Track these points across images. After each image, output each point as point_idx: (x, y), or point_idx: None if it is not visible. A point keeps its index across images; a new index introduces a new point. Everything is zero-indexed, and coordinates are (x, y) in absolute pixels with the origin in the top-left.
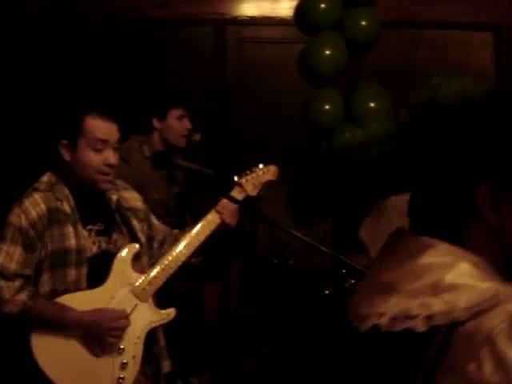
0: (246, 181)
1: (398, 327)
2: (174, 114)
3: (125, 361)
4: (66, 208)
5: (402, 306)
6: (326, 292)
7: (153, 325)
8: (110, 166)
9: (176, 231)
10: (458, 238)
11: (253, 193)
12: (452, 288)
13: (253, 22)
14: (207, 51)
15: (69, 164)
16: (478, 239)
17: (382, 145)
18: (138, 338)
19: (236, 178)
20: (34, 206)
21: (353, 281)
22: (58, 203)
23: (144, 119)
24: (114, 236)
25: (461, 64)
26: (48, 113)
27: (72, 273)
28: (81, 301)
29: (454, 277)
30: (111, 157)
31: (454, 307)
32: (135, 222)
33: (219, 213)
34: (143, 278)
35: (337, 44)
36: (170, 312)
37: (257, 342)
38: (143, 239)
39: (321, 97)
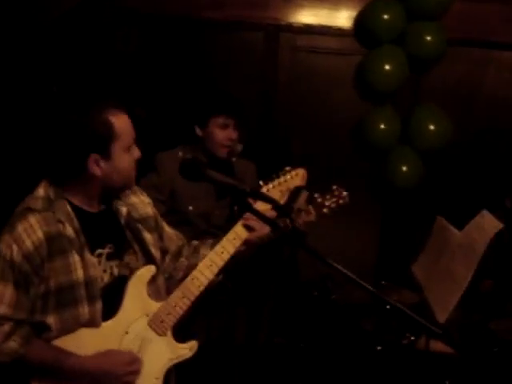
0: (273, 187)
1: None
2: (216, 121)
3: None
4: (69, 231)
5: None
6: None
7: (172, 362)
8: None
9: (195, 242)
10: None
11: (281, 201)
12: None
13: (309, 30)
14: (258, 57)
15: (92, 175)
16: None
17: None
18: (157, 379)
19: (261, 183)
20: (29, 233)
21: (413, 338)
22: (60, 226)
23: (188, 127)
24: (126, 258)
25: None
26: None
27: (84, 311)
28: (88, 340)
29: None
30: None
31: None
32: (147, 236)
33: (245, 225)
34: (161, 306)
35: (398, 59)
36: (192, 346)
37: (287, 374)
38: (157, 255)
39: (377, 115)
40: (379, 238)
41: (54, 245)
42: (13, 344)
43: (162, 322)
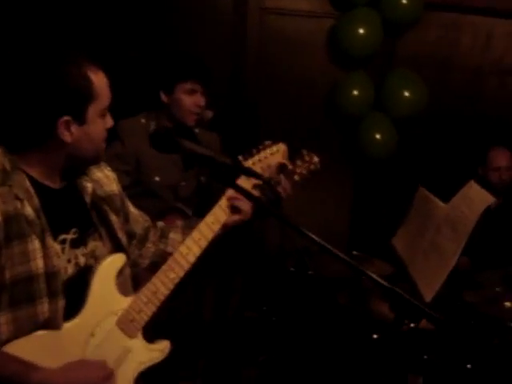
0: (253, 163)
1: None
2: (183, 87)
3: None
4: (29, 211)
5: None
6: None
7: (144, 366)
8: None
9: (161, 224)
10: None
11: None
12: None
13: None
14: (226, 19)
15: (59, 141)
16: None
17: None
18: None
19: (240, 158)
20: None
21: (412, 324)
22: (18, 204)
23: (152, 92)
24: (91, 243)
25: (505, 57)
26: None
27: (43, 309)
28: (47, 345)
29: None
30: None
31: None
32: (114, 218)
33: (230, 206)
34: (130, 303)
35: (372, 22)
36: (164, 347)
37: (257, 348)
38: (124, 240)
39: (350, 81)
40: (351, 207)
41: (12, 227)
42: None
43: (131, 321)
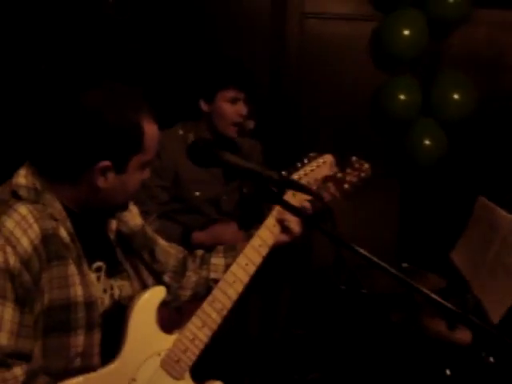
0: (299, 178)
1: None
2: (225, 95)
3: None
4: (64, 234)
5: None
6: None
7: None
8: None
9: (199, 252)
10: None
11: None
12: None
13: None
14: (265, 26)
15: (91, 183)
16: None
17: None
18: None
19: (283, 173)
20: (24, 228)
21: (491, 359)
22: (54, 224)
23: (193, 102)
24: (118, 280)
25: None
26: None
27: (77, 342)
28: None
29: None
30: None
31: None
32: (139, 257)
33: (278, 223)
34: (175, 341)
35: (417, 23)
36: None
37: (305, 366)
38: (150, 282)
39: (396, 85)
40: (399, 217)
41: (51, 246)
42: None
43: (177, 361)
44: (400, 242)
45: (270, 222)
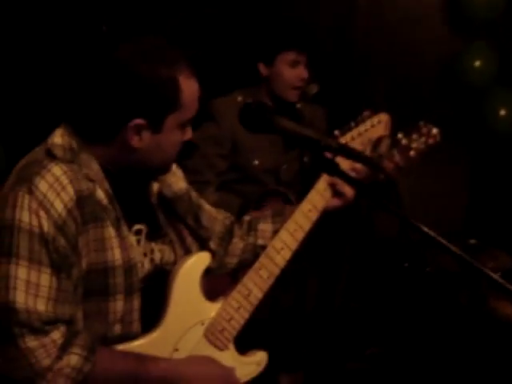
0: (353, 138)
1: None
2: (285, 58)
3: None
4: (101, 195)
5: None
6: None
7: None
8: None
9: (247, 218)
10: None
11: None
12: None
13: None
14: None
15: (126, 143)
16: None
17: None
18: None
19: (336, 133)
20: (58, 190)
21: None
22: (90, 185)
23: (252, 65)
24: (159, 244)
25: None
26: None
27: (117, 307)
28: None
29: None
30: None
31: None
32: (183, 222)
33: (329, 186)
34: (219, 310)
35: None
36: (261, 359)
37: (363, 340)
38: (195, 248)
39: (471, 51)
40: (469, 190)
41: (87, 208)
42: (73, 359)
43: (221, 331)
44: (469, 217)
45: (321, 185)
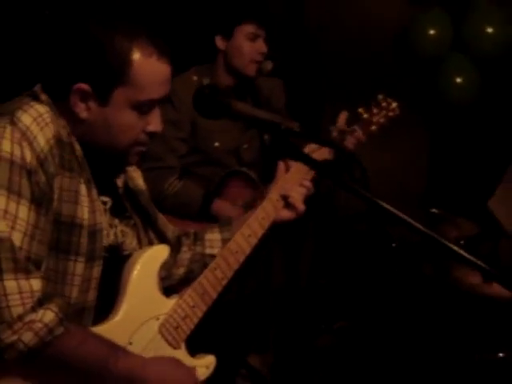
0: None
1: None
2: (245, 30)
3: None
4: (79, 151)
5: None
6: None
7: None
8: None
9: (191, 230)
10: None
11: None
12: None
13: None
14: None
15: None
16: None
17: None
18: None
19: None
20: (41, 125)
21: None
22: (68, 136)
23: (208, 40)
24: (123, 225)
25: None
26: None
27: (76, 269)
28: None
29: None
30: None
31: None
32: (145, 213)
33: (282, 198)
34: (174, 305)
35: None
36: (209, 363)
37: (331, 315)
38: (156, 242)
39: (426, 19)
40: (428, 160)
41: (65, 153)
42: (49, 316)
43: (176, 328)
44: (429, 187)
45: (274, 195)
